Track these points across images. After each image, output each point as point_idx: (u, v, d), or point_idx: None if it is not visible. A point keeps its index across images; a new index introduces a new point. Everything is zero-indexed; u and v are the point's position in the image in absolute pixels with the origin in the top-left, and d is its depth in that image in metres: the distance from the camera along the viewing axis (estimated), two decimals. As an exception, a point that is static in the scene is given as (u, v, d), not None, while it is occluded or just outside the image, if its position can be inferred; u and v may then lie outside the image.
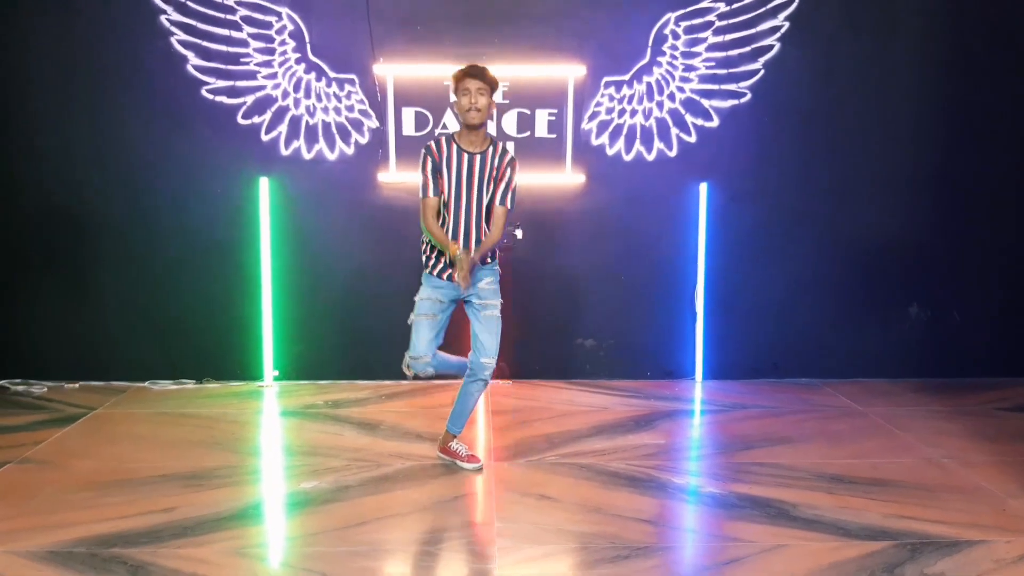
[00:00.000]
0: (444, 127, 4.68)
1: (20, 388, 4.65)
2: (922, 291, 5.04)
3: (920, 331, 5.06)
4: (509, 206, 3.46)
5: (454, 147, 3.41)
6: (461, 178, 3.39)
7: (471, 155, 3.39)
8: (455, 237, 3.41)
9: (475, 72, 3.34)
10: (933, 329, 5.06)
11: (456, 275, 3.32)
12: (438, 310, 3.45)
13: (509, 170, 3.44)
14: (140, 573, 2.60)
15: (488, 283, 3.48)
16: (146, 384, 4.77)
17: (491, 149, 3.43)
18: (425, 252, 3.51)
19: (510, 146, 4.70)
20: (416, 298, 3.48)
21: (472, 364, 3.49)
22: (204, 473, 3.46)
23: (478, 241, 3.43)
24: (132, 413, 4.30)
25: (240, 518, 3.04)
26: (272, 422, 4.31)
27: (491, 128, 4.73)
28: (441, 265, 3.44)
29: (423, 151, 3.41)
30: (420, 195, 3.40)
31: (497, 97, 4.64)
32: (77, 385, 4.74)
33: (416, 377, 3.54)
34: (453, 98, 3.42)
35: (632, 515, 3.09)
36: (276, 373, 4.82)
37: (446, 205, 3.41)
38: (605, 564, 2.71)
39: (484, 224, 3.45)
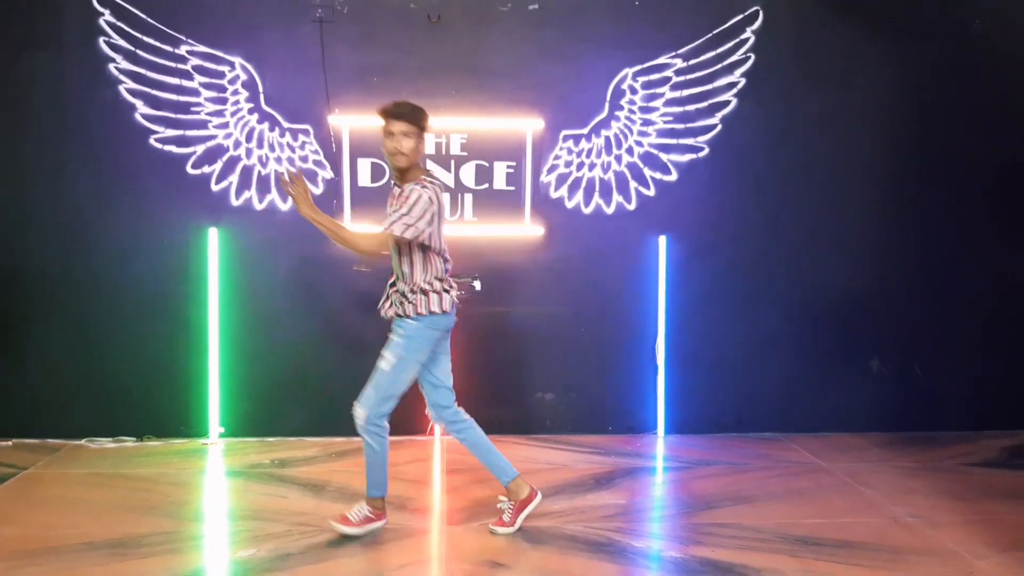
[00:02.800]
0: (401, 178, 4.60)
1: (-54, 448, 4.39)
2: (884, 344, 5.01)
3: (883, 384, 5.02)
4: (384, 227, 3.14)
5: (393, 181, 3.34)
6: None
7: (399, 189, 3.26)
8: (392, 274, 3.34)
9: (399, 112, 3.14)
10: (896, 382, 5.02)
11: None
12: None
13: (402, 198, 3.16)
14: (49, 656, 2.38)
15: (397, 334, 3.26)
16: (83, 442, 4.53)
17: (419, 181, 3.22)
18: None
19: (456, 178, 4.65)
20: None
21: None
22: (134, 541, 3.23)
23: (400, 277, 3.25)
24: (65, 474, 4.05)
25: (167, 591, 2.83)
26: (213, 483, 4.09)
27: (449, 179, 4.66)
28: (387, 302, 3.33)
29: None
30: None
31: (462, 139, 4.66)
32: (10, 443, 4.48)
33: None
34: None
35: (588, 583, 2.94)
36: (222, 430, 4.61)
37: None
38: (558, 638, 2.55)
39: (402, 265, 3.23)
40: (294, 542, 3.24)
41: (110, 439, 4.56)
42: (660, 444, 4.76)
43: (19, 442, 4.50)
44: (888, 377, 5.02)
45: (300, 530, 3.34)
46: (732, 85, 4.77)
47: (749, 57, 4.76)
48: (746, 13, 4.72)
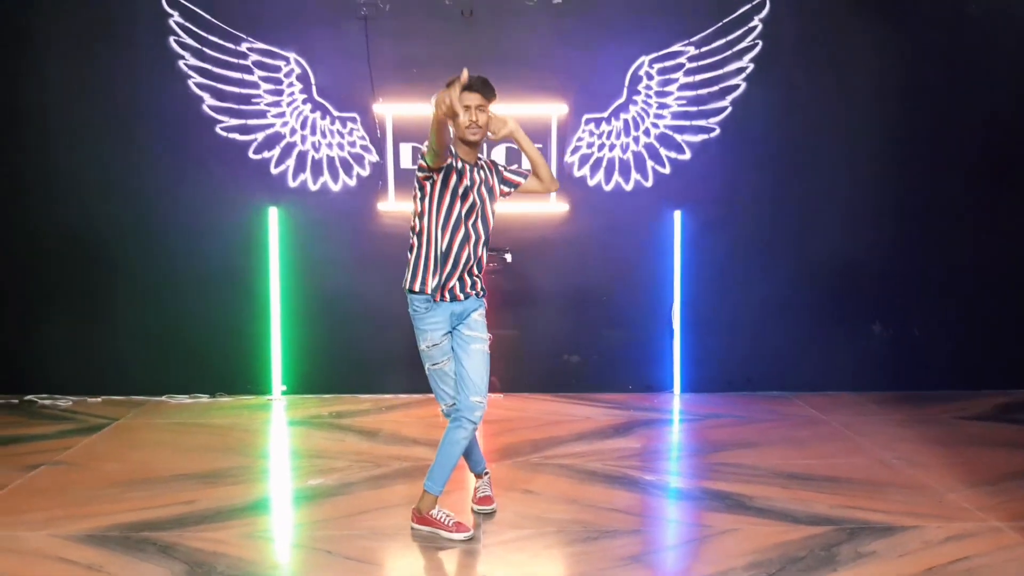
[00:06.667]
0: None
1: (47, 402, 5.03)
2: (884, 309, 5.41)
3: (884, 346, 5.42)
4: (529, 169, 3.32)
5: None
6: (458, 191, 3.06)
7: (469, 166, 3.12)
8: (444, 261, 3.04)
9: (475, 86, 2.99)
10: (896, 344, 5.42)
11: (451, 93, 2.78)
12: (448, 348, 3.14)
13: (500, 168, 3.28)
14: (169, 552, 2.96)
15: (478, 315, 3.18)
16: (163, 398, 5.14)
17: (480, 160, 3.19)
18: (410, 267, 3.10)
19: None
20: (422, 347, 3.11)
21: (459, 405, 3.08)
22: (219, 473, 3.82)
23: (478, 266, 3.12)
24: (152, 423, 4.67)
25: (254, 508, 3.40)
26: (280, 430, 4.68)
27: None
28: (430, 280, 3.05)
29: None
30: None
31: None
32: (100, 399, 5.11)
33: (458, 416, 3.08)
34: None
35: (605, 505, 3.45)
36: (284, 388, 5.20)
37: (439, 223, 3.05)
38: (578, 544, 3.08)
39: (482, 250, 3.14)
40: (354, 474, 3.80)
41: (186, 396, 5.17)
42: (675, 401, 5.24)
43: (107, 398, 5.13)
44: (889, 339, 5.42)
45: (359, 465, 3.90)
46: (741, 70, 5.18)
47: (757, 44, 5.15)
48: (754, 2, 5.12)
